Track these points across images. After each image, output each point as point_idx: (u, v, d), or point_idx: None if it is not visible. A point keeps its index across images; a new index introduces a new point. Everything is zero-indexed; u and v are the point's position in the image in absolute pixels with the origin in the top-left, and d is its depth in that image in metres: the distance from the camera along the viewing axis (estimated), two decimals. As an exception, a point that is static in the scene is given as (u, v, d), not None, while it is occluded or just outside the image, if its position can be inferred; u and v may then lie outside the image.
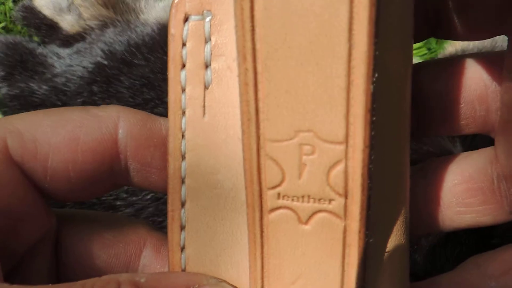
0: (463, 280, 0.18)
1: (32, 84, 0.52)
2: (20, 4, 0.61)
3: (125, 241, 0.16)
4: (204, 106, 0.14)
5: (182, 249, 0.14)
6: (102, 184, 0.16)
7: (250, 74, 0.11)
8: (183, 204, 0.14)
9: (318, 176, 0.11)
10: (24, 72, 0.53)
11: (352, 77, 0.10)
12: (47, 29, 0.58)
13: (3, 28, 0.67)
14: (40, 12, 0.59)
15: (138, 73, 0.51)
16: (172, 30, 0.14)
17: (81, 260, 0.16)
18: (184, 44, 0.14)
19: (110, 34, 0.55)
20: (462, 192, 0.18)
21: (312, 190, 0.11)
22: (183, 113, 0.14)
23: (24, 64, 0.54)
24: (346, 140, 0.11)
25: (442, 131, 0.18)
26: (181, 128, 0.15)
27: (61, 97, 0.51)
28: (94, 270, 0.16)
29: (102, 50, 0.53)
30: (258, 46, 0.11)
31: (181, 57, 0.14)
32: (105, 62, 0.52)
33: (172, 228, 0.14)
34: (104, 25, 0.56)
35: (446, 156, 0.18)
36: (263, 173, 0.12)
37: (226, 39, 0.13)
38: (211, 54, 0.14)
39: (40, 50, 0.56)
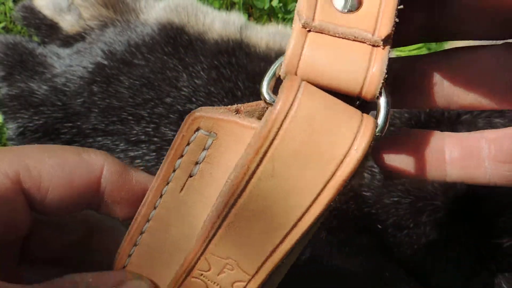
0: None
1: (32, 84, 0.52)
2: (20, 4, 0.61)
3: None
4: (183, 186, 0.18)
5: (129, 255, 0.20)
6: (79, 208, 0.21)
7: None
8: (142, 233, 0.20)
9: (228, 281, 0.18)
10: (24, 72, 0.53)
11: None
12: (47, 29, 0.58)
13: (3, 28, 0.67)
14: (40, 12, 0.59)
15: (138, 73, 0.51)
16: (184, 132, 0.18)
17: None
18: (188, 144, 0.18)
19: (110, 34, 0.55)
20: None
21: (221, 285, 0.18)
22: (167, 183, 0.19)
23: (24, 64, 0.54)
24: (253, 275, 0.17)
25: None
26: (161, 191, 0.19)
27: (61, 97, 0.51)
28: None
29: (102, 50, 0.53)
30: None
31: (182, 150, 0.18)
32: (105, 62, 0.52)
33: (127, 241, 0.20)
34: (104, 25, 0.56)
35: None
36: (199, 262, 0.18)
37: (217, 158, 0.18)
38: (204, 158, 0.18)
39: (40, 50, 0.56)
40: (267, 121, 0.14)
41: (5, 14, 0.69)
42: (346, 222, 0.40)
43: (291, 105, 0.14)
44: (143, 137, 0.47)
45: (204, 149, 0.18)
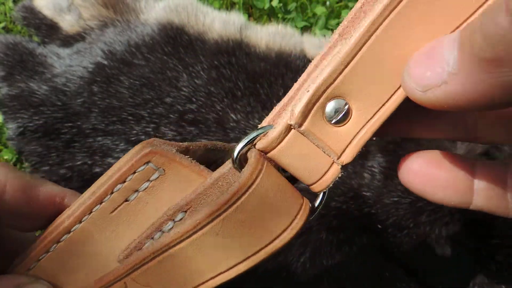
0: None
1: (32, 84, 0.52)
2: (20, 4, 0.61)
3: None
4: (116, 208, 0.20)
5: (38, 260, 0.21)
6: None
7: None
8: (58, 242, 0.21)
9: None
10: (24, 72, 0.53)
11: None
12: (47, 29, 0.58)
13: (3, 28, 0.67)
14: (40, 12, 0.59)
15: (138, 73, 0.51)
16: (134, 162, 0.19)
17: None
18: (134, 172, 0.19)
19: (110, 34, 0.55)
20: None
21: None
22: (101, 203, 0.20)
23: (24, 64, 0.54)
24: None
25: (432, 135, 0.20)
26: (92, 209, 0.20)
27: (61, 97, 0.51)
28: None
29: (102, 50, 0.53)
30: None
31: (127, 177, 0.19)
32: (105, 62, 0.52)
33: (38, 247, 0.21)
34: (104, 25, 0.56)
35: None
36: (118, 282, 0.19)
37: (158, 191, 0.19)
38: (145, 189, 0.19)
39: (40, 50, 0.56)
40: (228, 191, 0.17)
41: (5, 14, 0.69)
42: (346, 222, 0.40)
43: (253, 182, 0.17)
44: (143, 137, 0.47)
45: (148, 180, 0.19)
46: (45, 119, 0.50)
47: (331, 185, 0.18)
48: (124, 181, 0.19)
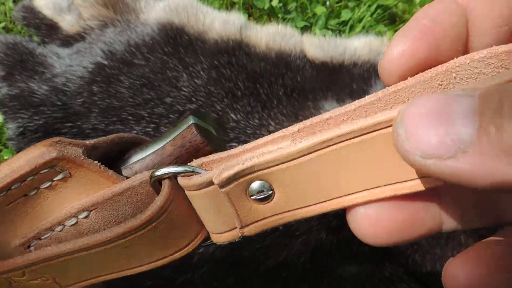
0: None
1: (32, 84, 0.52)
2: (20, 4, 0.61)
3: None
4: (13, 201, 0.19)
5: None
6: None
7: None
8: None
9: (38, 285, 0.21)
10: (24, 72, 0.53)
11: None
12: (47, 29, 0.58)
13: (3, 28, 0.67)
14: (40, 12, 0.59)
15: (138, 73, 0.51)
16: (36, 166, 0.19)
17: None
18: (38, 173, 0.19)
19: (110, 34, 0.55)
20: None
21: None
22: None
23: (24, 64, 0.54)
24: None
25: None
26: None
27: (61, 97, 0.51)
28: None
29: (102, 50, 0.53)
30: None
31: (27, 177, 0.19)
32: (105, 62, 0.52)
33: None
34: (104, 25, 0.56)
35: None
36: (16, 271, 0.20)
37: (62, 189, 0.19)
38: (47, 187, 0.19)
39: (40, 50, 0.56)
40: (141, 216, 0.19)
41: (5, 14, 0.69)
42: (346, 222, 0.40)
43: (165, 210, 0.19)
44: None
45: (51, 180, 0.19)
46: (45, 119, 0.50)
47: (225, 243, 0.20)
48: (24, 180, 0.19)
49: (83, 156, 0.19)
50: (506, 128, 0.11)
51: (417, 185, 0.16)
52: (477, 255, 0.16)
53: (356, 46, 0.56)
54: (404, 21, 0.72)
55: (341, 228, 0.40)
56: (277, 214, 0.19)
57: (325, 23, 0.67)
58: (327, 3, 0.70)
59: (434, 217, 0.18)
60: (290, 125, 0.17)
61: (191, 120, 0.21)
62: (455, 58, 0.15)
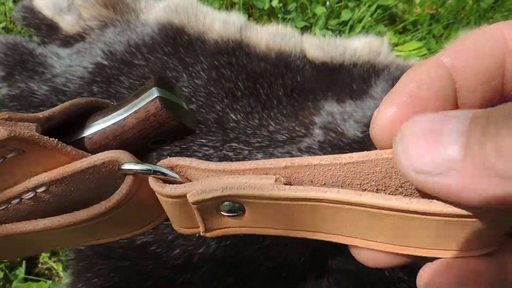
0: None
1: (32, 85, 0.52)
2: (20, 4, 0.61)
3: None
4: None
5: None
6: None
7: None
8: None
9: None
10: (24, 72, 0.53)
11: None
12: (47, 29, 0.58)
13: (3, 28, 0.67)
14: (40, 12, 0.59)
15: (138, 73, 0.51)
16: None
17: None
18: None
19: (110, 34, 0.55)
20: None
21: None
22: None
23: (24, 64, 0.54)
24: None
25: None
26: None
27: (61, 97, 0.51)
28: None
29: (102, 50, 0.53)
30: None
31: None
32: (105, 62, 0.52)
33: None
34: (104, 25, 0.56)
35: None
36: None
37: (13, 166, 0.19)
38: None
39: (40, 50, 0.56)
40: (106, 204, 0.19)
41: (5, 14, 0.69)
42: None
43: (130, 198, 0.19)
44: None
45: (3, 157, 0.19)
46: (45, 119, 0.50)
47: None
48: None
49: (37, 134, 0.18)
50: (488, 147, 0.12)
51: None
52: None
53: (356, 46, 0.56)
54: (404, 21, 0.72)
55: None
56: (243, 227, 0.19)
57: (325, 23, 0.67)
58: (327, 3, 0.70)
59: None
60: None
61: (155, 93, 0.19)
62: None
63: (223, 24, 0.55)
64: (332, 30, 0.67)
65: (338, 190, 0.16)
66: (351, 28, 0.68)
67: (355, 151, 0.17)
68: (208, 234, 0.19)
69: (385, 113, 0.16)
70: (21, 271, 0.46)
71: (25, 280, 0.46)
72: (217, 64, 0.51)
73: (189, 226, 0.19)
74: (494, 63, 0.16)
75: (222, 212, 0.18)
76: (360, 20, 0.69)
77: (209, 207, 0.18)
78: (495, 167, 0.12)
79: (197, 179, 0.19)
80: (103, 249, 0.40)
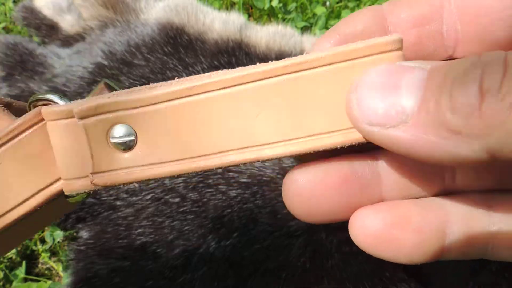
0: None
1: (32, 85, 0.52)
2: (20, 4, 0.61)
3: None
4: None
5: None
6: None
7: None
8: None
9: None
10: (24, 72, 0.53)
11: None
12: (47, 29, 0.58)
13: (3, 28, 0.67)
14: (40, 12, 0.59)
15: (138, 73, 0.51)
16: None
17: None
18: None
19: (110, 34, 0.55)
20: None
21: None
22: None
23: (24, 64, 0.54)
24: None
25: None
26: None
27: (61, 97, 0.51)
28: None
29: (102, 50, 0.53)
30: None
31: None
32: (105, 62, 0.52)
33: None
34: (104, 26, 0.56)
35: None
36: None
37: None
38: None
39: (40, 50, 0.56)
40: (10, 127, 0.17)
41: (5, 14, 0.69)
42: (346, 222, 0.40)
43: (17, 134, 0.17)
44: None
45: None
46: (45, 119, 0.50)
47: (75, 195, 0.18)
48: None
49: None
50: (443, 103, 0.12)
51: (340, 138, 0.15)
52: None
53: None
54: (404, 21, 0.72)
55: (341, 228, 0.40)
56: (135, 166, 0.17)
57: (325, 23, 0.67)
58: (327, 3, 0.70)
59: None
60: None
61: (103, 81, 0.19)
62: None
63: (223, 24, 0.55)
64: (332, 30, 0.67)
65: (210, 74, 0.15)
66: (351, 28, 0.68)
67: None
68: (97, 179, 0.17)
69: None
70: (21, 271, 0.46)
71: (25, 280, 0.46)
72: (217, 64, 0.51)
73: (78, 174, 0.17)
74: (429, 6, 0.16)
75: (112, 141, 0.17)
76: (360, 20, 0.69)
77: (98, 132, 0.17)
78: (449, 123, 0.12)
79: None
80: (103, 249, 0.40)
